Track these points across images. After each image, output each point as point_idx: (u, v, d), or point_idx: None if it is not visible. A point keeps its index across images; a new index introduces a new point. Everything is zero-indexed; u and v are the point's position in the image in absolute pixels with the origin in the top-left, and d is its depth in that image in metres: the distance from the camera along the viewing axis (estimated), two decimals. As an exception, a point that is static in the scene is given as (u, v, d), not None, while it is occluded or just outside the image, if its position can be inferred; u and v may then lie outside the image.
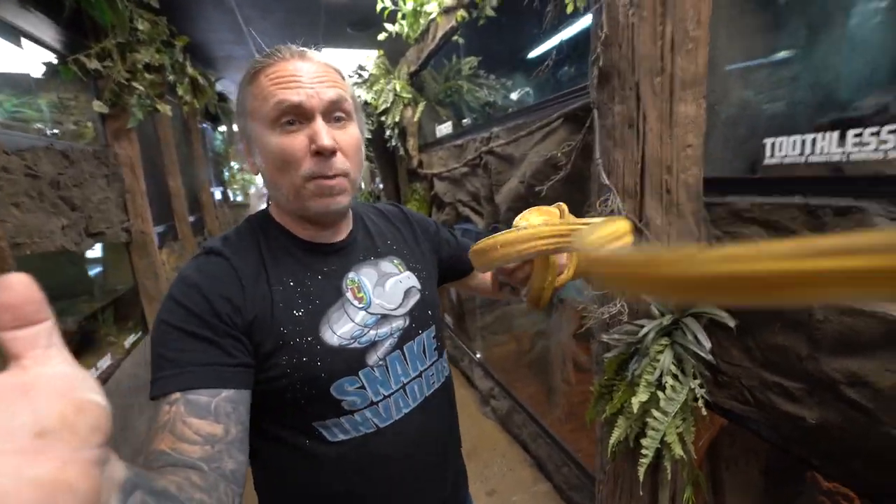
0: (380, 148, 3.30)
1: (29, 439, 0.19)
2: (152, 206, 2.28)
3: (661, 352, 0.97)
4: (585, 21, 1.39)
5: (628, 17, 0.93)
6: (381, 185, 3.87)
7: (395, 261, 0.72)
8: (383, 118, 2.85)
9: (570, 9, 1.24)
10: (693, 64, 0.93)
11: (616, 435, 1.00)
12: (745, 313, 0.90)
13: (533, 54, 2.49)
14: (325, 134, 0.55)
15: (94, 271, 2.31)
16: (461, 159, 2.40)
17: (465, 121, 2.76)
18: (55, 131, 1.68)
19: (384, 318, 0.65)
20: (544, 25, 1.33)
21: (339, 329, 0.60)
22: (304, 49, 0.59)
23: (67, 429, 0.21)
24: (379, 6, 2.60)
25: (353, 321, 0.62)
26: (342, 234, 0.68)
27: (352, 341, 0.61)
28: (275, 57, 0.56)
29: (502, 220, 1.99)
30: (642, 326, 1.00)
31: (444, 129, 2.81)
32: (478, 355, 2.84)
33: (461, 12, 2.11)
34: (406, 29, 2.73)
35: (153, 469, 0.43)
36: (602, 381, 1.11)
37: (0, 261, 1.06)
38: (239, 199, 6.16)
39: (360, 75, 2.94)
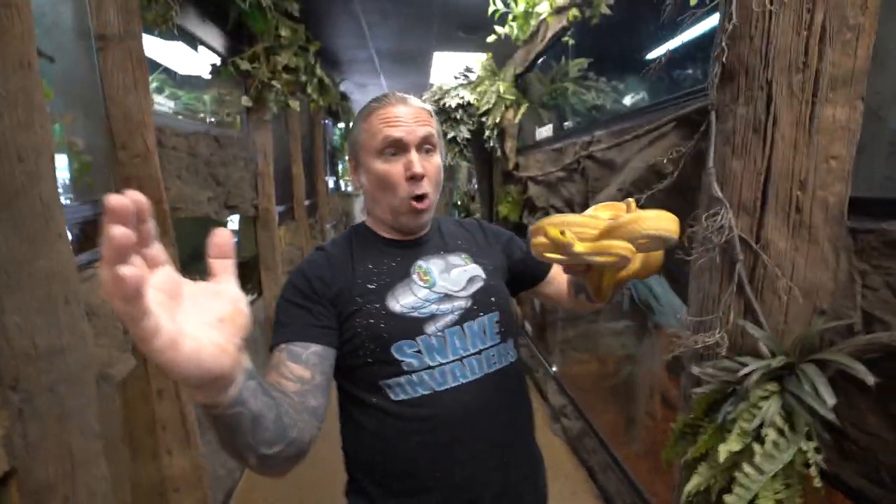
0: (478, 148, 3.35)
1: (216, 320, 0.35)
2: (276, 189, 2.63)
3: (765, 398, 0.82)
4: (712, 19, 1.23)
5: (765, 4, 0.80)
6: (475, 186, 3.93)
7: (463, 256, 0.82)
8: (484, 119, 2.88)
9: (693, 1, 1.11)
10: (850, 58, 0.76)
11: (695, 483, 0.87)
12: (893, 369, 0.71)
13: (650, 55, 2.28)
14: (417, 163, 0.71)
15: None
16: (559, 163, 2.32)
17: (566, 124, 2.66)
18: (212, 119, 2.04)
19: (447, 297, 0.75)
20: (662, 20, 1.21)
21: (402, 300, 0.73)
22: (405, 96, 0.76)
23: (232, 321, 0.35)
24: (490, 9, 2.64)
25: (415, 296, 0.74)
26: (419, 235, 0.82)
27: (412, 311, 0.72)
28: (384, 101, 0.74)
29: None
30: (744, 365, 0.85)
31: (545, 131, 2.73)
32: (554, 369, 2.71)
33: (573, 11, 2.03)
34: (516, 31, 2.72)
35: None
36: (687, 420, 0.98)
37: (162, 221, 1.32)
38: (349, 189, 6.78)
39: (467, 77, 3.01)
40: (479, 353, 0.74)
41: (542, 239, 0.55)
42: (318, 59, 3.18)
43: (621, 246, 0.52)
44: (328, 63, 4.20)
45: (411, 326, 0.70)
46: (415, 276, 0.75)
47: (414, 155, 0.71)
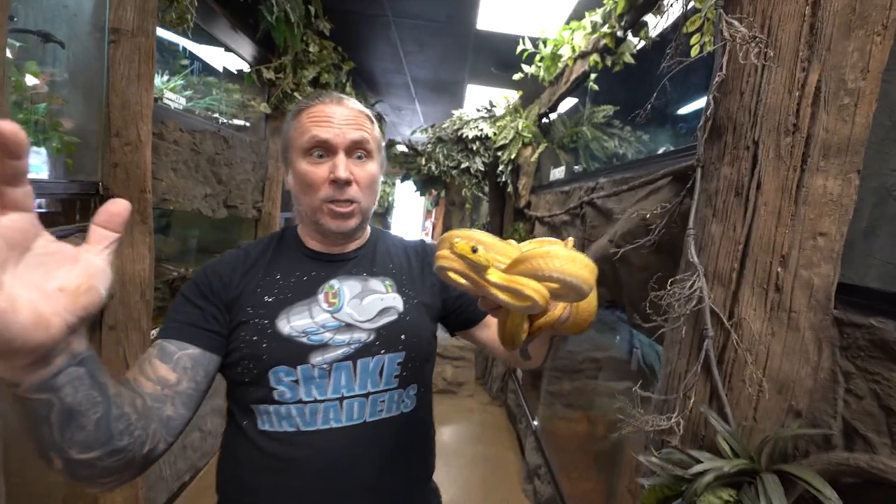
0: (493, 183, 3.32)
1: (55, 288, 0.31)
2: (285, 196, 2.67)
3: (716, 507, 0.68)
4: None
5: (754, 57, 0.72)
6: (488, 219, 3.88)
7: (388, 282, 0.75)
8: (499, 153, 2.86)
9: (694, 52, 1.04)
10: (846, 125, 0.67)
11: None
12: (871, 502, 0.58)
13: (680, 109, 2.21)
14: (342, 167, 0.65)
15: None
16: (565, 206, 2.24)
17: (575, 167, 2.59)
18: (223, 121, 2.10)
19: (348, 326, 0.67)
20: (663, 68, 1.14)
21: (295, 321, 0.65)
22: (343, 96, 0.71)
23: (73, 295, 0.32)
24: (519, 48, 2.66)
25: (312, 318, 0.66)
26: (348, 248, 0.75)
27: (301, 335, 0.65)
28: (316, 100, 0.69)
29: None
30: (696, 462, 0.73)
31: (558, 173, 2.68)
32: (535, 423, 2.53)
33: (594, 56, 2.01)
34: (542, 72, 2.72)
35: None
36: (633, 512, 0.84)
37: (142, 209, 1.34)
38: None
39: (489, 110, 3.03)
40: (366, 396, 0.66)
41: (447, 252, 0.46)
42: (350, 77, 3.29)
43: (532, 287, 0.43)
44: (366, 83, 4.36)
45: (295, 352, 0.63)
46: (320, 297, 0.68)
47: (341, 159, 0.65)
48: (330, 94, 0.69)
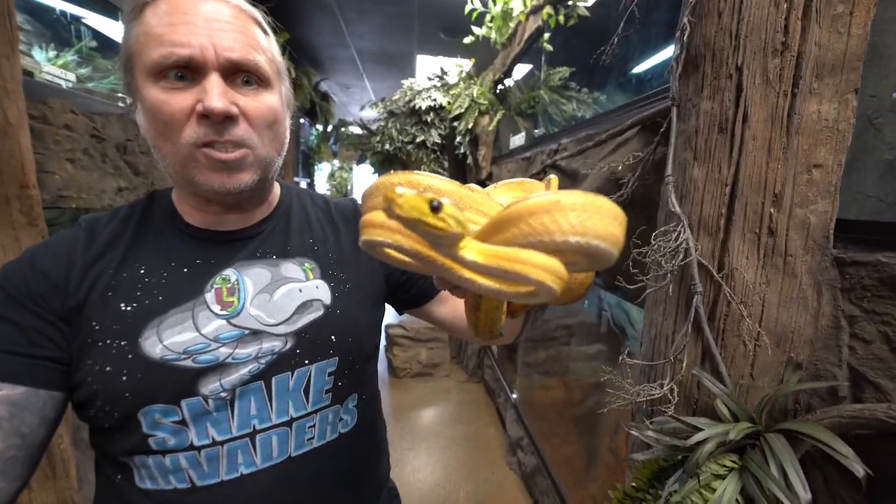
0: (452, 156, 3.18)
1: None
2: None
3: (720, 477, 0.62)
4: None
5: (736, -33, 0.62)
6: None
7: (307, 264, 0.56)
8: (456, 124, 2.72)
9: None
10: (841, 38, 0.59)
11: (629, 580, 0.67)
12: (891, 456, 0.52)
13: (638, 67, 2.14)
14: (216, 94, 0.42)
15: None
16: (527, 172, 2.14)
17: (536, 131, 2.50)
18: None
19: (254, 334, 0.49)
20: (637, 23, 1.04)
21: (170, 338, 0.46)
22: None
23: None
24: (468, 8, 2.49)
25: (197, 330, 0.47)
26: (249, 221, 0.55)
27: (182, 357, 0.45)
28: None
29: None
30: (696, 430, 0.66)
31: (518, 140, 2.57)
32: (514, 396, 2.50)
33: (547, 9, 1.88)
34: (493, 33, 2.57)
35: None
36: (627, 488, 0.78)
37: (27, 209, 1.10)
38: (327, 193, 6.58)
39: (441, 78, 2.85)
40: (289, 423, 0.50)
41: (381, 217, 0.28)
42: (286, 50, 3.00)
43: (537, 264, 0.26)
44: (307, 60, 4.04)
45: (175, 382, 0.45)
46: (209, 296, 0.48)
47: (214, 82, 0.43)
48: None
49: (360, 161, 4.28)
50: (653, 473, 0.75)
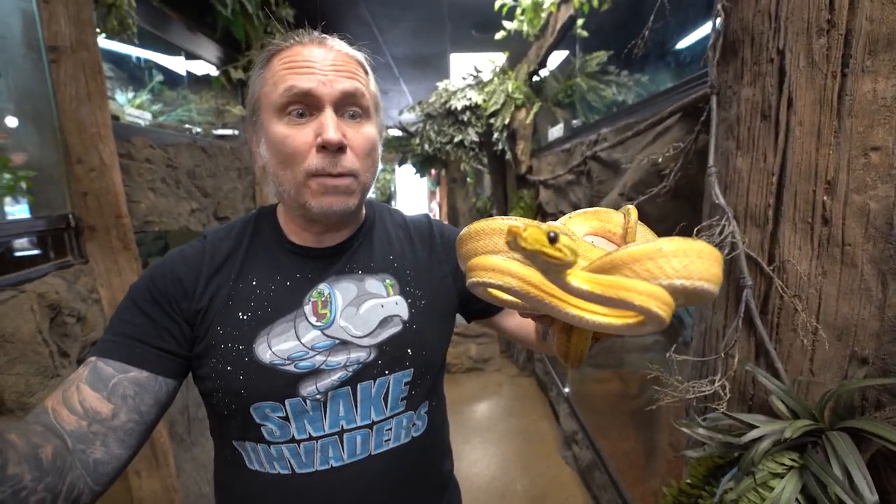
0: (491, 153, 3.18)
1: None
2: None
3: (778, 475, 0.61)
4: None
5: (771, -52, 0.60)
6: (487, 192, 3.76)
7: (388, 280, 0.60)
8: (492, 120, 2.72)
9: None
10: (895, 8, 0.55)
11: (685, 577, 0.67)
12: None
13: (680, 43, 2.03)
14: (332, 127, 0.49)
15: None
16: (567, 165, 2.11)
17: (574, 122, 2.44)
18: (197, 131, 2.02)
19: (343, 344, 0.55)
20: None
21: (277, 345, 0.53)
22: (326, 36, 0.54)
23: None
24: (498, 3, 2.48)
25: (298, 339, 0.53)
26: (340, 238, 0.60)
27: (287, 363, 0.52)
28: (292, 40, 0.52)
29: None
30: (751, 427, 0.64)
31: (556, 131, 2.53)
32: (566, 390, 2.48)
33: (578, -4, 1.83)
34: (525, 26, 2.54)
35: (29, 421, 0.42)
36: (682, 485, 0.77)
37: (122, 235, 1.28)
38: (372, 195, 6.79)
39: (475, 77, 2.86)
40: (370, 426, 0.56)
41: (490, 261, 0.31)
42: (326, 66, 3.15)
43: (644, 291, 0.27)
44: (344, 70, 4.19)
45: (281, 384, 0.52)
46: (307, 309, 0.54)
47: (329, 116, 0.49)
48: (309, 33, 0.53)
49: (402, 163, 4.39)
50: (708, 471, 0.74)
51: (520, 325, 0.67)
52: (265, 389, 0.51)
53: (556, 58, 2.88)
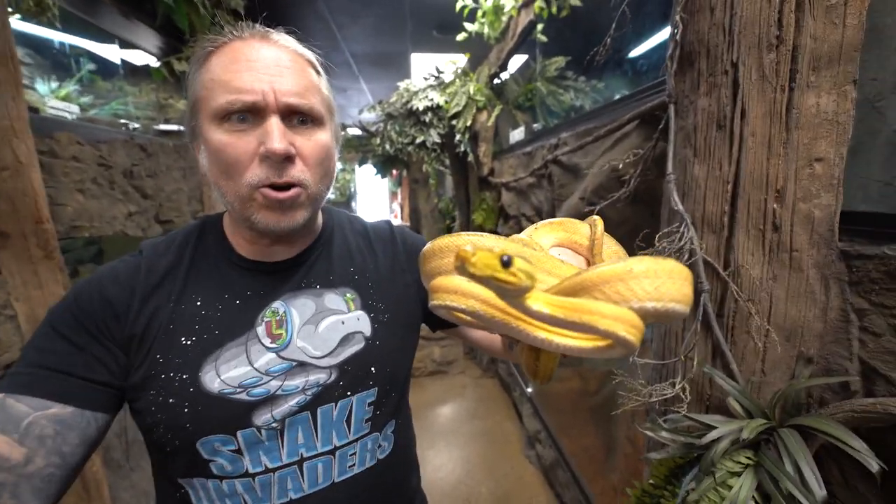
0: (453, 154, 3.17)
1: None
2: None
3: (736, 474, 0.63)
4: None
5: (726, -37, 0.62)
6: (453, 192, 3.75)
7: (349, 294, 0.57)
8: (454, 122, 2.71)
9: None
10: (836, 28, 0.58)
11: (651, 579, 0.68)
12: (905, 451, 0.52)
13: (636, 50, 2.11)
14: (277, 136, 0.45)
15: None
16: (528, 168, 2.14)
17: (535, 126, 2.48)
18: (136, 126, 1.85)
19: (300, 366, 0.51)
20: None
21: (227, 372, 0.48)
22: (270, 31, 0.49)
23: None
24: (459, 4, 2.47)
25: (251, 364, 0.49)
26: (294, 250, 0.56)
27: (238, 391, 0.48)
28: (230, 35, 0.47)
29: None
30: (710, 427, 0.66)
31: (517, 134, 2.56)
32: (529, 389, 2.51)
33: (539, 2, 1.86)
34: (486, 28, 2.55)
35: None
36: (645, 486, 0.79)
37: (43, 243, 1.13)
38: (331, 196, 6.60)
39: (437, 77, 2.84)
40: (332, 452, 0.52)
41: (451, 282, 0.30)
42: (280, 60, 3.00)
43: (609, 314, 0.26)
44: (300, 66, 4.03)
45: (232, 415, 0.47)
46: (260, 330, 0.50)
47: (274, 124, 0.45)
48: (252, 28, 0.48)
49: (362, 162, 4.29)
50: (669, 471, 0.76)
51: (486, 334, 0.65)
52: (214, 422, 0.46)
53: (517, 61, 2.92)
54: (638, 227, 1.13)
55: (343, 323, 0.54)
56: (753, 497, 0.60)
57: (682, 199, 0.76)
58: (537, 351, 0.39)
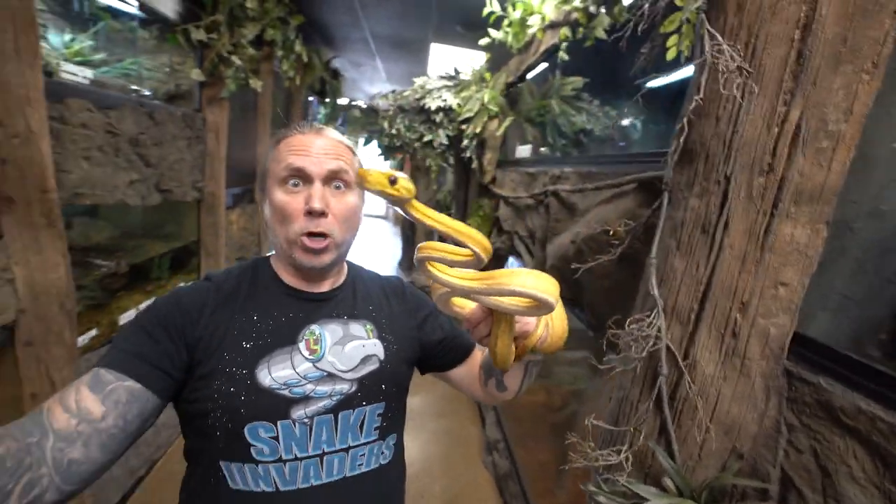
0: (457, 154, 3.18)
1: None
2: (235, 170, 2.43)
3: (659, 547, 0.70)
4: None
5: (735, 86, 0.65)
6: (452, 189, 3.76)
7: (369, 326, 0.71)
8: (464, 126, 2.71)
9: (671, 54, 0.96)
10: (822, 170, 0.63)
11: None
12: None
13: (652, 83, 2.12)
14: (317, 197, 0.62)
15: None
16: (529, 189, 2.17)
17: (542, 149, 2.50)
18: (146, 92, 1.82)
19: (330, 376, 0.64)
20: (642, 62, 1.05)
21: (276, 371, 0.61)
22: (323, 127, 0.69)
23: None
24: (486, 10, 2.45)
25: (293, 369, 0.62)
26: (326, 286, 0.72)
27: (283, 388, 0.61)
28: (295, 130, 0.67)
29: (548, 269, 1.74)
30: (644, 500, 0.73)
31: (524, 150, 2.58)
32: (496, 398, 2.60)
33: (564, 30, 1.86)
34: (510, 38, 2.53)
35: (19, 421, 0.47)
36: (581, 535, 0.86)
37: (47, 211, 1.14)
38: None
39: (453, 78, 2.82)
40: (346, 450, 0.63)
41: (435, 248, 0.48)
42: (299, 34, 2.95)
43: (522, 281, 0.43)
44: (320, 38, 3.94)
45: (276, 407, 0.59)
46: (301, 345, 0.64)
47: (317, 188, 0.63)
48: (310, 125, 0.68)
49: (367, 142, 4.26)
50: (604, 526, 0.84)
51: (466, 374, 0.82)
52: (262, 410, 0.58)
53: (536, 69, 2.90)
54: (619, 283, 1.19)
55: (363, 346, 0.68)
56: (669, 571, 0.68)
57: (659, 283, 0.81)
58: (496, 338, 0.52)
